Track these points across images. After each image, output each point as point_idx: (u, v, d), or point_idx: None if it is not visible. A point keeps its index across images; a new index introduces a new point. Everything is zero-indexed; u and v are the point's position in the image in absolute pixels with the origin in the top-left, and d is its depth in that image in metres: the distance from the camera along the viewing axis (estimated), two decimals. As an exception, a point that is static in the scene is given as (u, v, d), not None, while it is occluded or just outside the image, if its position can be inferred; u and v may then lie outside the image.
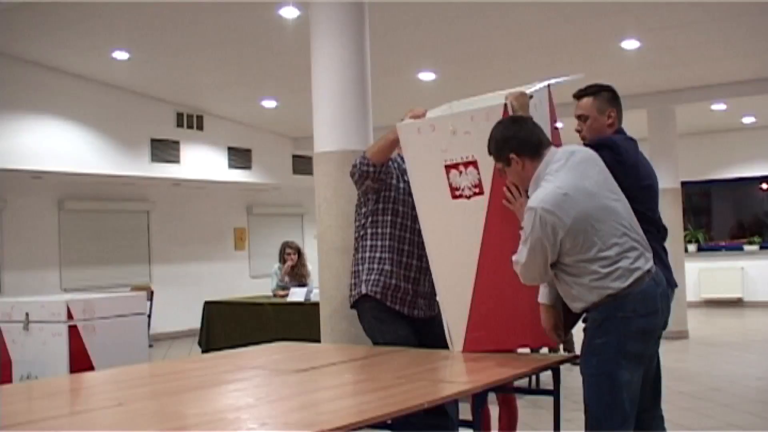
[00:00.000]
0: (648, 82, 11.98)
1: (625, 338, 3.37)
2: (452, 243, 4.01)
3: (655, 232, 3.79)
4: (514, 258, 3.49)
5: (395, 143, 4.22)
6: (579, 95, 4.04)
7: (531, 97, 3.83)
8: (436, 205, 4.01)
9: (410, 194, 4.30)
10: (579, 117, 4.03)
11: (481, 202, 3.83)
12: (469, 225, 3.86)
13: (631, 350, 3.38)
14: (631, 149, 3.85)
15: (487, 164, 3.75)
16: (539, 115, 3.85)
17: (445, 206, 3.94)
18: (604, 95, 4.01)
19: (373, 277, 4.44)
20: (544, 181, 3.43)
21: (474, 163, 3.82)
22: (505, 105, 3.73)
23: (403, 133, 4.09)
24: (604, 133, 3.93)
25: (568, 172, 3.44)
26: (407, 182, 4.39)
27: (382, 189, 4.44)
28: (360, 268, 4.52)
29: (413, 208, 4.25)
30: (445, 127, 3.89)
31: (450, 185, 3.91)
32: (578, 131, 4.03)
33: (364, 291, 4.47)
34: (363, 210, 4.55)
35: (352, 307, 4.66)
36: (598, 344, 3.40)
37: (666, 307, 3.57)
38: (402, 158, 4.38)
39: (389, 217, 4.44)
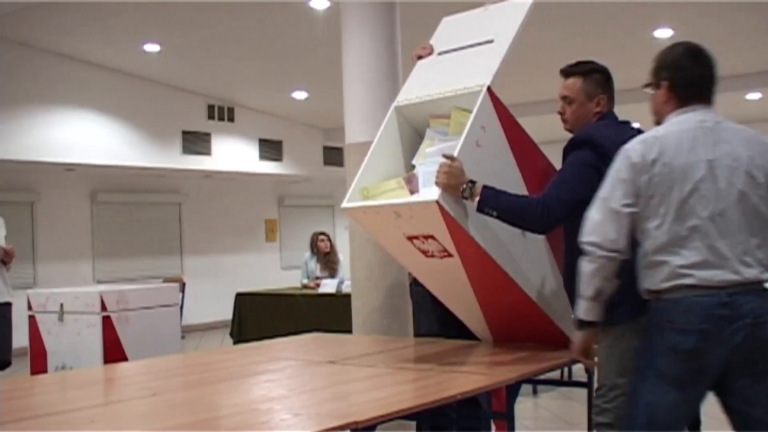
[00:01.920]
0: (681, 72, 11.85)
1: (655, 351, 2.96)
2: (446, 287, 3.93)
3: None
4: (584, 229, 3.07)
5: None
6: (566, 72, 3.62)
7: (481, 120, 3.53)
8: (415, 261, 3.79)
9: None
10: (564, 98, 3.61)
11: (454, 261, 3.59)
12: (454, 274, 3.72)
13: (661, 368, 2.92)
14: (617, 137, 3.26)
15: (445, 236, 3.47)
16: (493, 144, 3.56)
17: (423, 261, 3.73)
18: (596, 77, 3.58)
19: None
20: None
21: (432, 236, 3.52)
22: (437, 203, 3.35)
23: (352, 214, 3.79)
24: (589, 122, 3.56)
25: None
26: None
27: None
28: None
29: None
30: (389, 212, 3.58)
31: (418, 249, 3.65)
32: (560, 114, 3.64)
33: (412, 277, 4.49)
34: None
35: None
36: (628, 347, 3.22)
37: (735, 338, 2.83)
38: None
39: None
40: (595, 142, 3.35)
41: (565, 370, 7.50)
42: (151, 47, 10.90)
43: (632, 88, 12.10)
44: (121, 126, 12.41)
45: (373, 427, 2.62)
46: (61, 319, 5.74)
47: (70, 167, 12.36)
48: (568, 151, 3.43)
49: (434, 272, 3.79)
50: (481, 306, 3.86)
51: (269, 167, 15.08)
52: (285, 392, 3.20)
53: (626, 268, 3.11)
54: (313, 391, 3.21)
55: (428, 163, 3.67)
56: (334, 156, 16.02)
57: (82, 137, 11.82)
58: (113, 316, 5.61)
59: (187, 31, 10.10)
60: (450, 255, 3.54)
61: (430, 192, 3.45)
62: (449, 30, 4.10)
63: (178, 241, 15.07)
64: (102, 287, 6.57)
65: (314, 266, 10.05)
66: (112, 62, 11.79)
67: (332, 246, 10.07)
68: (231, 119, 14.20)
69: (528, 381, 4.04)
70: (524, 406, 5.34)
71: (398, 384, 3.26)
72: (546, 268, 3.81)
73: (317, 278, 9.77)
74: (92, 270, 13.60)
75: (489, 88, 3.54)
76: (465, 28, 4.00)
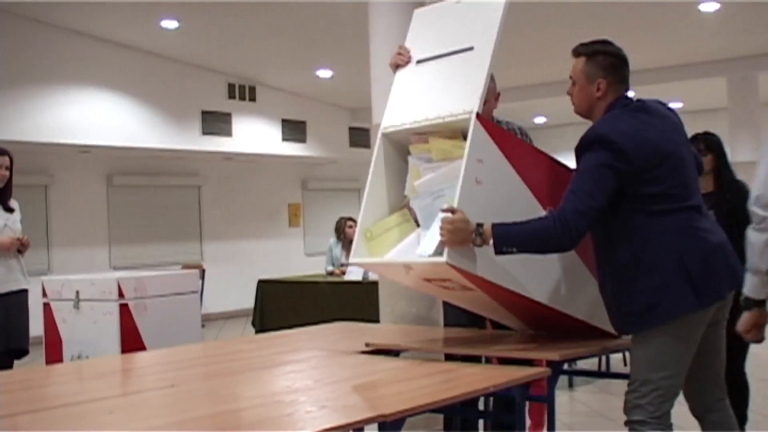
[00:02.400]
0: (728, 48, 11.75)
1: None
2: (474, 305, 3.98)
3: (690, 210, 3.35)
4: None
5: None
6: (575, 51, 3.58)
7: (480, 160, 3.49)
8: (436, 292, 3.91)
9: None
10: (570, 78, 3.59)
11: (477, 293, 3.66)
12: (479, 298, 3.73)
13: None
14: (630, 128, 3.32)
15: (462, 280, 3.52)
16: (495, 173, 3.54)
17: (445, 293, 3.83)
18: (599, 60, 3.50)
19: None
20: None
21: (449, 279, 3.57)
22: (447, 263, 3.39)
23: (362, 266, 3.88)
24: (593, 106, 3.50)
25: None
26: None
27: None
28: None
29: None
30: (399, 267, 3.70)
31: (438, 286, 3.72)
32: (569, 94, 3.60)
33: None
34: None
35: None
36: None
37: None
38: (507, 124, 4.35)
39: None
40: (606, 140, 3.29)
41: (603, 361, 7.51)
42: (169, 23, 10.93)
43: (677, 65, 11.99)
44: (138, 106, 12.48)
45: (402, 420, 2.64)
46: (76, 306, 5.79)
47: (85, 149, 12.44)
48: (579, 152, 3.37)
49: (458, 297, 3.85)
50: (513, 312, 3.90)
51: (292, 149, 15.11)
52: (310, 383, 3.22)
53: (662, 265, 3.20)
54: (339, 383, 3.23)
55: (422, 196, 3.69)
56: (360, 137, 16.03)
57: (97, 118, 11.89)
58: (131, 303, 5.64)
59: (206, 5, 10.11)
60: (472, 289, 3.59)
61: (433, 237, 3.45)
62: (424, 27, 4.04)
63: (197, 226, 15.15)
64: (119, 274, 6.62)
65: (340, 252, 10.06)
66: (129, 39, 11.84)
67: (360, 232, 10.07)
68: (252, 99, 14.23)
69: (564, 372, 4.04)
70: (559, 401, 5.32)
71: (427, 375, 3.26)
72: (575, 275, 3.80)
73: (342, 265, 9.79)
74: (108, 256, 13.71)
75: (478, 115, 3.52)
76: (440, 26, 3.94)
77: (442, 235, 3.34)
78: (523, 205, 3.60)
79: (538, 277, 3.64)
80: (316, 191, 17.15)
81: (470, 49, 3.69)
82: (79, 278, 6.06)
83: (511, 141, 3.73)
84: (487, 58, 3.59)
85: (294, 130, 15.04)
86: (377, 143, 3.86)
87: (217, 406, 2.89)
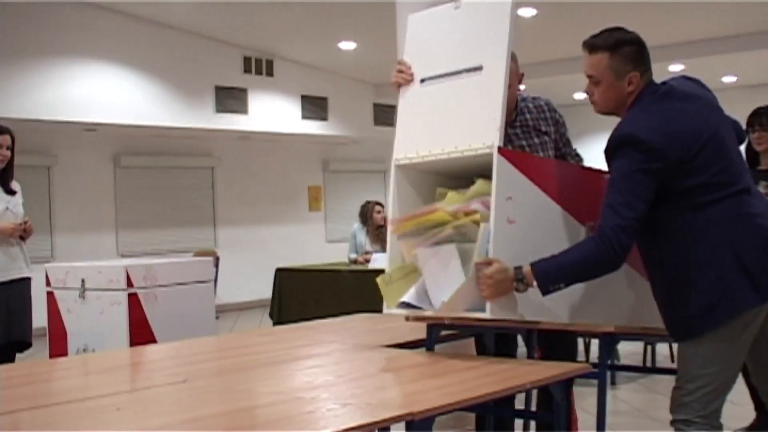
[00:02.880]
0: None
1: None
2: None
3: (738, 195, 3.30)
4: None
5: None
6: (590, 46, 3.44)
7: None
8: None
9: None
10: (590, 77, 3.47)
11: None
12: None
13: None
14: (660, 121, 3.27)
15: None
16: (527, 207, 3.56)
17: None
18: (625, 52, 3.38)
19: None
20: None
21: None
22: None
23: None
24: (623, 102, 3.41)
25: None
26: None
27: None
28: None
29: None
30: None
31: None
32: (589, 94, 3.51)
33: None
34: None
35: None
36: None
37: None
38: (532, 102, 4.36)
39: None
40: (635, 140, 3.23)
41: (648, 356, 7.48)
42: (181, -8, 10.95)
43: (730, 35, 11.90)
44: (147, 81, 12.51)
45: (432, 419, 2.63)
46: (82, 296, 5.81)
47: (91, 127, 12.49)
48: (608, 156, 3.33)
49: None
50: None
51: (313, 127, 15.11)
52: (332, 379, 3.22)
53: (715, 261, 3.18)
54: (363, 379, 3.23)
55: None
56: (385, 115, 15.99)
57: (103, 94, 11.93)
58: (140, 293, 5.66)
59: (220, -27, 10.12)
60: None
61: (443, 287, 3.51)
62: (423, 36, 3.99)
63: (210, 210, 15.20)
64: (127, 261, 6.64)
65: (364, 239, 10.06)
66: (137, 9, 11.86)
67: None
68: (270, 73, 14.24)
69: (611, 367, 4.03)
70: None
71: (458, 371, 3.26)
72: (628, 283, 3.80)
73: (367, 252, 9.78)
74: (116, 242, 13.79)
75: (500, 149, 3.49)
76: (441, 37, 3.89)
77: (481, 290, 3.35)
78: (562, 231, 3.65)
79: (590, 299, 3.66)
80: (338, 173, 17.16)
81: (479, 68, 3.66)
82: (84, 265, 6.09)
83: (536, 163, 3.75)
84: (500, 80, 3.55)
85: (314, 106, 15.05)
86: (392, 177, 3.86)
87: (232, 403, 2.89)
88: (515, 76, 4.07)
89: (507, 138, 4.08)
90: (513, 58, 3.86)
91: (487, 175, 3.48)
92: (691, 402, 3.27)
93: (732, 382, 3.34)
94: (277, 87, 14.40)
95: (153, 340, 5.56)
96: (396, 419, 2.52)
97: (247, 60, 13.90)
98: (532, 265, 3.31)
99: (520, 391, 3.11)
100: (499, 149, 3.47)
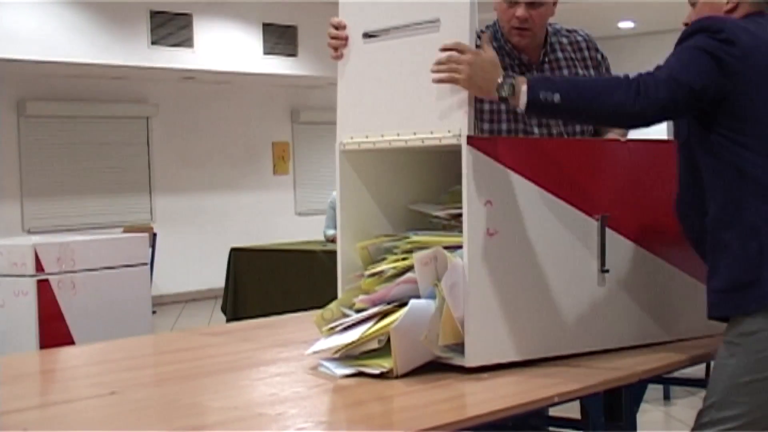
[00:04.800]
0: None
1: None
2: None
3: None
4: None
5: None
6: None
7: None
8: None
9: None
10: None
11: None
12: None
13: None
14: (751, 25, 3.32)
15: None
16: (514, 206, 3.52)
17: None
18: None
19: None
20: None
21: None
22: None
23: None
24: None
25: None
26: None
27: None
28: None
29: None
30: None
31: None
32: (686, 25, 3.48)
33: None
34: None
35: None
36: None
37: None
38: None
39: None
40: (715, 27, 3.26)
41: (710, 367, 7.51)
42: None
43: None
44: (62, 6, 12.47)
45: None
46: (-24, 284, 5.83)
47: (-12, 64, 12.48)
48: (677, 45, 3.35)
49: None
50: None
51: (278, 65, 15.09)
52: (302, 390, 3.23)
53: (764, 228, 3.16)
54: (342, 390, 3.23)
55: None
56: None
57: (3, 21, 11.89)
58: (53, 279, 5.67)
59: None
60: None
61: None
62: None
63: (145, 173, 15.18)
64: (36, 239, 6.64)
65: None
66: None
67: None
68: (222, -6, 14.24)
69: (656, 381, 4.05)
70: (651, 417, 5.32)
71: (460, 381, 3.28)
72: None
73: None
74: (20, 214, 13.76)
75: (470, 138, 3.48)
76: None
77: (455, 77, 3.34)
78: (565, 232, 3.61)
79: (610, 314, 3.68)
80: (311, 125, 17.13)
81: (436, 22, 3.64)
82: (-21, 244, 6.09)
83: (525, 148, 3.69)
84: (464, 40, 3.53)
85: (280, 38, 15.02)
86: (337, 164, 3.86)
87: (174, 421, 2.90)
88: None
89: None
90: None
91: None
92: None
93: None
94: (232, 13, 14.37)
95: (70, 341, 5.58)
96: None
97: (192, -23, 13.90)
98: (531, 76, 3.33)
99: (546, 406, 3.14)
100: (470, 139, 3.41)
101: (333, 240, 9.91)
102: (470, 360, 3.32)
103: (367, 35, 3.83)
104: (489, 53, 3.34)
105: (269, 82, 15.93)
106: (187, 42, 13.80)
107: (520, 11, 4.12)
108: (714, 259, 3.30)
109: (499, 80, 3.29)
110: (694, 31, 3.29)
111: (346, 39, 3.88)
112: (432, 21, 3.58)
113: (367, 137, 3.77)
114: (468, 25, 3.45)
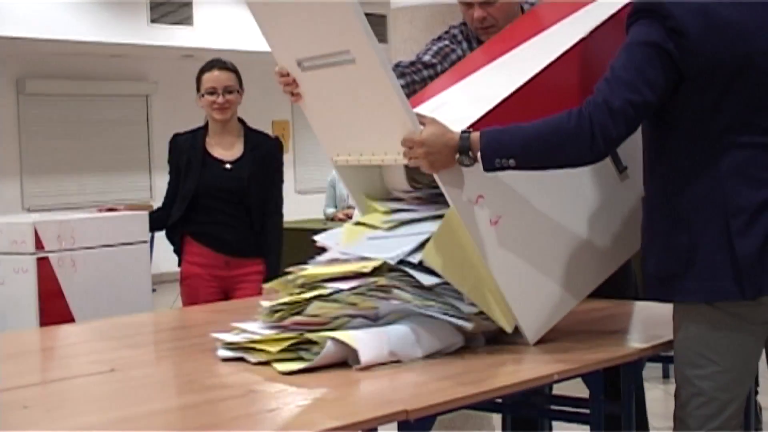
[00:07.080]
0: None
1: None
2: None
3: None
4: None
5: None
6: None
7: None
8: None
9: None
10: None
11: None
12: None
13: None
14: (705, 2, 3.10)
15: None
16: (508, 188, 3.47)
17: None
18: None
19: None
20: None
21: None
22: None
23: None
24: None
25: None
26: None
27: None
28: None
29: None
30: None
31: None
32: None
33: None
34: None
35: None
36: None
37: None
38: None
39: None
40: (659, 9, 3.09)
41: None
42: None
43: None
44: (61, -19, 12.46)
45: (431, 418, 2.65)
46: (-24, 261, 5.83)
47: (-13, 42, 12.46)
48: (627, 25, 3.22)
49: None
50: None
51: (278, 43, 15.05)
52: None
53: (697, 224, 3.11)
54: (343, 367, 3.22)
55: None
56: (374, 26, 15.90)
57: (2, 0, 11.89)
58: (53, 257, 5.66)
59: None
60: None
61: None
62: (270, 17, 4.18)
63: (145, 150, 15.17)
64: (36, 216, 6.64)
65: (346, 189, 10.07)
66: None
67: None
68: (222, -29, 14.20)
69: (655, 359, 4.05)
70: (651, 395, 5.27)
71: (469, 355, 3.28)
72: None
73: (349, 207, 9.79)
74: (20, 193, 13.75)
75: None
76: (285, 11, 3.99)
77: (416, 163, 3.29)
78: (576, 195, 3.59)
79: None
80: (311, 103, 17.09)
81: (347, 53, 3.62)
82: (-22, 222, 6.08)
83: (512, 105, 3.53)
84: (383, 77, 3.49)
85: (280, 16, 14.98)
86: (337, 175, 4.00)
87: (173, 399, 2.91)
88: None
89: None
90: None
91: None
92: (685, 417, 3.21)
93: (738, 397, 3.22)
94: (232, -10, 14.35)
95: (70, 318, 5.58)
96: (384, 419, 2.53)
97: (191, -46, 13.87)
98: (482, 132, 3.20)
99: (552, 382, 3.14)
100: None
101: (333, 218, 9.92)
102: (533, 338, 3.38)
103: (303, 66, 3.99)
104: (430, 129, 3.24)
105: (269, 60, 15.82)
106: (186, 20, 13.78)
107: (476, 13, 4.17)
108: (647, 241, 3.27)
109: (456, 156, 3.20)
110: (639, 9, 3.14)
111: (294, 81, 4.14)
112: (343, 52, 3.63)
113: (350, 155, 3.88)
114: (378, 61, 3.49)
